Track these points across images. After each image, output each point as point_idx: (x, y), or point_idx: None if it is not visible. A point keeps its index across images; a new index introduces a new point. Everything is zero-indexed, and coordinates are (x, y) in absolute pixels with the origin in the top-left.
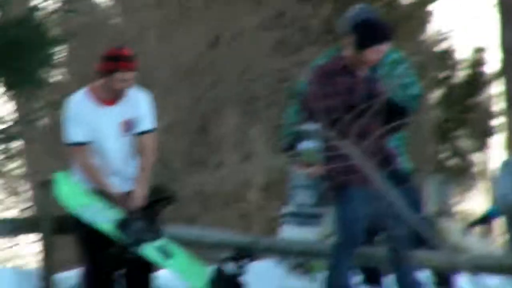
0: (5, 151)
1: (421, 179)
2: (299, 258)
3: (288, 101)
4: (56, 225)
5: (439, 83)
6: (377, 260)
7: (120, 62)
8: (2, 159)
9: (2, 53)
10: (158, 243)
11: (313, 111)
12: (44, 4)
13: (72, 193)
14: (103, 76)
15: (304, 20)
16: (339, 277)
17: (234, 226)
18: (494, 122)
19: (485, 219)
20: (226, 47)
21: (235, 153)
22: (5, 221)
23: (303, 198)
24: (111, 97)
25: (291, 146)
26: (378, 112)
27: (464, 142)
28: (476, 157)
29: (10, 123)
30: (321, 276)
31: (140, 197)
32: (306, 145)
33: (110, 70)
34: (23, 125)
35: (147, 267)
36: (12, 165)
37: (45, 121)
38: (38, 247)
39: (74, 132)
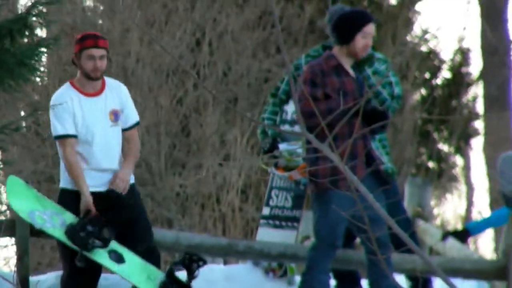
0: None
1: (400, 181)
2: (276, 261)
3: (270, 102)
4: (32, 228)
5: (421, 84)
6: (355, 264)
7: (86, 40)
8: None
9: None
10: (109, 248)
11: (305, 112)
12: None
13: (22, 198)
14: (77, 60)
15: (287, 21)
16: (316, 280)
17: (211, 229)
18: (475, 124)
19: (464, 234)
20: (209, 48)
21: (215, 155)
22: None
23: (281, 200)
24: (92, 86)
25: (271, 148)
26: (363, 113)
27: (444, 145)
28: (456, 160)
29: None
30: (298, 279)
31: (124, 180)
32: (286, 147)
33: (78, 50)
34: (4, 133)
35: (97, 272)
36: None
37: (23, 124)
38: (13, 250)
39: (60, 125)
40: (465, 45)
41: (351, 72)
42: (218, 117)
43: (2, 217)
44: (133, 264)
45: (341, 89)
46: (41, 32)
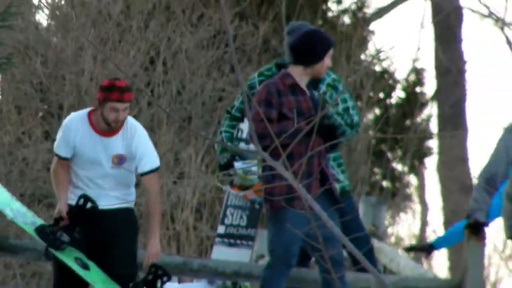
0: None
1: (354, 200)
2: (230, 279)
3: (227, 116)
4: None
5: (375, 103)
6: (309, 283)
7: (113, 92)
8: None
9: None
10: (76, 253)
11: (259, 134)
12: None
13: None
14: (99, 105)
15: (241, 40)
16: None
17: (166, 247)
18: (429, 144)
19: (427, 248)
20: (163, 67)
21: (169, 173)
22: None
23: (236, 219)
24: (107, 128)
25: (226, 166)
26: (320, 129)
27: (399, 164)
28: (410, 179)
29: None
30: None
31: (156, 251)
32: (241, 165)
33: (103, 99)
34: None
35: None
36: None
37: None
38: None
39: (58, 145)
40: (419, 65)
41: (306, 90)
42: (172, 135)
43: None
44: (97, 274)
45: (297, 108)
46: None
